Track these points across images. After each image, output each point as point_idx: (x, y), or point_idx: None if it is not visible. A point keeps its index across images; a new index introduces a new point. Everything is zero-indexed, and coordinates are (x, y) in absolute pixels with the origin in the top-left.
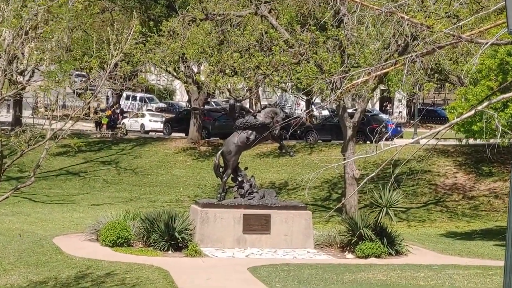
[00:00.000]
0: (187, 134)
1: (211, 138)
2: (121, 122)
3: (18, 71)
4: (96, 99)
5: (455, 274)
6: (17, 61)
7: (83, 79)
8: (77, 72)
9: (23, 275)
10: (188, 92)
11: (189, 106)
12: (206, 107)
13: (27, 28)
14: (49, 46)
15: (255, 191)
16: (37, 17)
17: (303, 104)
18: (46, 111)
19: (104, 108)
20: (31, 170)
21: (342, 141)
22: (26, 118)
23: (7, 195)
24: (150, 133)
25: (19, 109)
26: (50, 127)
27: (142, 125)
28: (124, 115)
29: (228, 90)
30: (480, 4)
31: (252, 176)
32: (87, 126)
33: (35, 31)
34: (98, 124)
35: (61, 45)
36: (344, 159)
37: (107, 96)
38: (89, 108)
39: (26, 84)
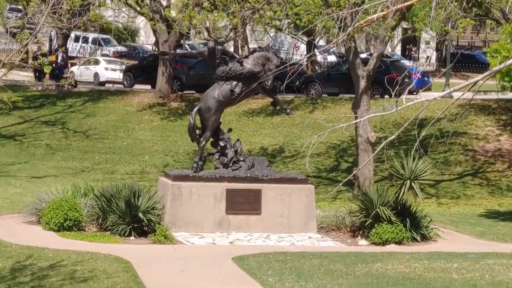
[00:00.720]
0: (153, 87)
1: (185, 92)
2: (69, 71)
3: None
4: (35, 40)
5: (497, 265)
6: None
7: (19, 15)
8: (11, 6)
9: None
10: (155, 32)
11: (157, 50)
12: (178, 51)
13: None
14: None
15: (241, 159)
16: None
17: (303, 47)
18: None
19: (46, 53)
20: None
21: (353, 95)
22: None
23: None
24: (106, 84)
25: None
26: None
27: (96, 75)
28: (73, 61)
29: (207, 29)
30: None
31: (238, 140)
32: (25, 76)
33: None
34: (39, 73)
35: None
36: (356, 118)
37: (51, 37)
38: (27, 53)
39: None
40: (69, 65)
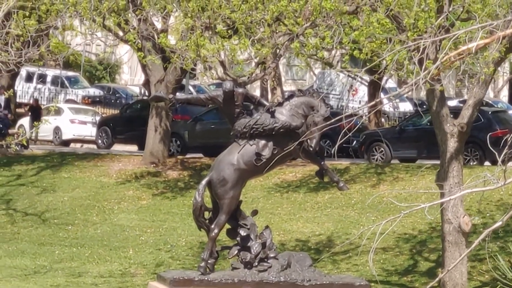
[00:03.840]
0: (142, 148)
1: (188, 155)
2: (18, 125)
3: None
4: None
5: None
6: None
7: None
8: None
9: None
10: (144, 68)
11: (147, 94)
12: (179, 95)
13: None
14: None
15: (272, 255)
16: None
17: (363, 90)
18: None
19: None
20: None
21: (438, 162)
22: None
23: None
24: (72, 144)
25: None
26: None
27: (57, 130)
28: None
29: (222, 63)
30: None
31: (267, 227)
32: None
33: None
34: None
35: None
36: (442, 196)
37: None
38: None
39: None
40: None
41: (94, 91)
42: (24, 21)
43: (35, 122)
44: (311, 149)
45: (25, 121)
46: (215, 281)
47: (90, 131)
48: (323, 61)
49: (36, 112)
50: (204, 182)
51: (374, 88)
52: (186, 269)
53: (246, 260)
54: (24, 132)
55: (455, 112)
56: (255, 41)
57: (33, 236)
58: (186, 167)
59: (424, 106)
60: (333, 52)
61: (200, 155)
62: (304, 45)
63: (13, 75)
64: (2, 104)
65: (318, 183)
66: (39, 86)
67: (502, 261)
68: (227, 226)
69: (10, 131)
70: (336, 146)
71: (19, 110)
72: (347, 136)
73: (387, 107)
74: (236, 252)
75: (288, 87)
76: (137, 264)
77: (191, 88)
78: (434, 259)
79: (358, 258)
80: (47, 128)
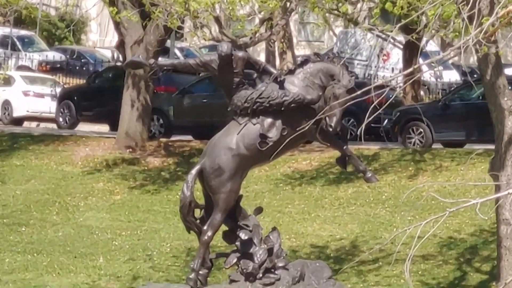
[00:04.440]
0: (114, 128)
1: (174, 137)
2: None
3: None
4: None
5: None
6: None
7: None
8: None
9: None
10: (118, 25)
11: (121, 58)
12: (162, 60)
13: None
14: None
15: (280, 265)
16: None
17: (397, 54)
18: None
19: None
20: None
21: (493, 147)
22: None
23: None
24: (26, 123)
25: None
26: None
27: (7, 105)
28: None
29: (217, 20)
30: None
31: (274, 229)
32: None
33: None
34: None
35: None
36: (498, 189)
37: None
38: None
39: None
40: None
41: (53, 55)
42: None
43: None
44: (331, 129)
45: None
46: None
47: (48, 106)
48: (346, 17)
49: None
50: (194, 171)
51: (411, 52)
52: (170, 282)
53: (247, 270)
54: None
55: None
56: None
57: None
58: (172, 152)
59: (475, 76)
60: (359, 5)
61: (189, 137)
62: None
63: None
64: None
65: (339, 173)
66: None
67: None
68: (224, 227)
69: None
70: (363, 126)
71: None
72: (377, 113)
73: (427, 76)
74: (235, 260)
75: (302, 50)
76: (108, 275)
77: (177, 51)
78: (487, 270)
79: (390, 269)
80: None
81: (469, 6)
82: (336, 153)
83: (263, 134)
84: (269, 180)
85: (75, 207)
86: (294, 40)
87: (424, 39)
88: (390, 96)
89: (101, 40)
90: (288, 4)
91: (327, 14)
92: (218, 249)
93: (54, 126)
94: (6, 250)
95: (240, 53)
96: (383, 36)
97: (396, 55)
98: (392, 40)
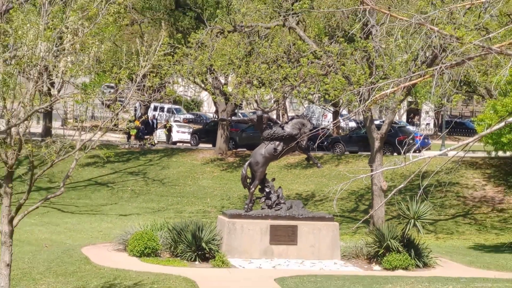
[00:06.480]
0: (214, 145)
1: (238, 149)
2: (155, 134)
3: (49, 82)
4: (124, 109)
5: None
6: (48, 72)
7: (112, 90)
8: (106, 84)
9: (52, 285)
10: (215, 103)
11: (216, 117)
12: (233, 118)
13: (63, 41)
14: (86, 60)
15: (282, 202)
16: (72, 30)
17: (330, 115)
18: (75, 122)
19: (132, 119)
20: (61, 181)
21: (370, 153)
22: (56, 129)
23: (37, 205)
24: (178, 144)
25: (49, 120)
26: (80, 138)
27: (170, 136)
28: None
29: (255, 101)
30: (510, 16)
31: (280, 187)
32: (115, 137)
33: (73, 46)
34: (129, 134)
35: (94, 58)
36: (372, 171)
37: (135, 107)
38: (118, 119)
39: (58, 97)
40: (160, 129)
41: (189, 116)
42: (153, 79)
43: (164, 131)
44: (303, 146)
45: (159, 131)
46: (252, 215)
47: (187, 137)
48: (309, 100)
49: (155, 127)
50: (246, 163)
51: (336, 114)
52: (237, 209)
53: (268, 204)
54: (156, 136)
55: (378, 127)
56: (273, 90)
57: (157, 192)
58: (237, 155)
59: (362, 124)
60: (315, 95)
61: (245, 149)
62: (299, 92)
63: (147, 107)
64: (151, 122)
65: (306, 164)
66: (160, 113)
67: (403, 205)
68: (259, 187)
69: (146, 136)
70: (316, 144)
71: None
72: (321, 139)
73: (343, 124)
74: (263, 200)
75: (290, 114)
76: (211, 206)
77: (240, 114)
78: (367, 204)
79: (327, 204)
80: (163, 134)
81: (360, 96)
82: (304, 156)
83: (275, 148)
84: (278, 167)
85: (198, 178)
86: (288, 109)
87: (341, 109)
88: (328, 132)
89: (208, 109)
90: (285, 95)
91: (302, 99)
92: (257, 195)
93: (189, 145)
94: (169, 196)
95: (265, 115)
96: (325, 108)
97: (330, 115)
98: (328, 109)
